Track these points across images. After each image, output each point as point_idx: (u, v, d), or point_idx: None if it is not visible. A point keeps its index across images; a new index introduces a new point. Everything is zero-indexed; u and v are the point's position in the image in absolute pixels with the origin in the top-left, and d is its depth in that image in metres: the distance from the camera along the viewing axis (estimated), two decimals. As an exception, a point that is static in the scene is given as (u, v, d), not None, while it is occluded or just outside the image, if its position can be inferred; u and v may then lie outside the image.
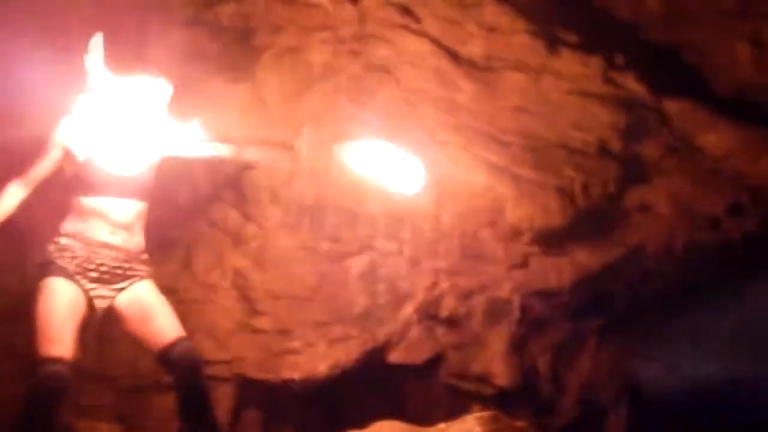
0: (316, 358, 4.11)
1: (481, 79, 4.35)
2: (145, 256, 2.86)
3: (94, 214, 2.72)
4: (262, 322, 4.12)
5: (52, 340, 2.59)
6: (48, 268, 2.69)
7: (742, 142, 4.13)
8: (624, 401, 4.74)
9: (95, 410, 3.79)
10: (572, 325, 4.64)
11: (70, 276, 2.69)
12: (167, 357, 2.76)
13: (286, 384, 3.96)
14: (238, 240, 4.16)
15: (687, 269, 4.69)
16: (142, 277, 2.81)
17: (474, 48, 4.35)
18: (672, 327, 5.06)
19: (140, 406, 3.99)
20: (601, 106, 4.01)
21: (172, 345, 2.75)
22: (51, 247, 2.72)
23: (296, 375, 4.06)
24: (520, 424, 3.08)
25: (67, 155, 2.70)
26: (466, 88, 4.37)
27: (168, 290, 3.24)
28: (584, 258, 4.52)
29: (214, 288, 4.10)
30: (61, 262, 2.69)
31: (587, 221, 4.51)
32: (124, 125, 2.86)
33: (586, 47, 4.06)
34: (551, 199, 4.39)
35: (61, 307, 2.66)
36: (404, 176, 3.48)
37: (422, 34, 4.35)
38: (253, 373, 4.12)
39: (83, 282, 2.70)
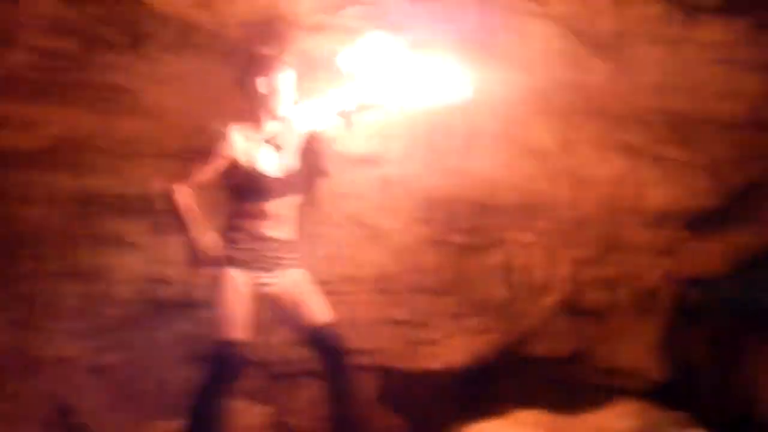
0: (454, 349, 4.10)
1: (613, 57, 4.16)
2: (298, 246, 3.20)
3: (260, 214, 3.06)
4: (400, 314, 4.14)
5: (233, 324, 2.95)
6: (224, 260, 3.03)
7: None
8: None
9: (250, 393, 4.14)
10: (732, 315, 4.27)
11: (242, 267, 3.03)
12: (317, 338, 3.07)
13: (426, 374, 4.06)
14: (374, 235, 4.22)
15: None
16: (296, 266, 3.15)
17: (604, 25, 4.19)
18: None
19: (290, 391, 4.14)
20: (750, 72, 3.68)
21: (323, 327, 3.08)
22: (224, 242, 3.05)
23: (435, 365, 4.09)
24: (670, 414, 2.92)
25: (233, 164, 3.05)
26: (597, 69, 4.22)
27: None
28: (741, 241, 4.16)
29: (354, 280, 4.20)
30: (234, 255, 3.02)
31: (742, 200, 4.14)
32: (280, 130, 3.23)
33: (729, 10, 3.75)
34: (700, 179, 4.09)
35: (239, 295, 3.01)
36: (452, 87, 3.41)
37: (547, 16, 4.28)
38: (394, 362, 4.16)
39: (252, 272, 3.04)
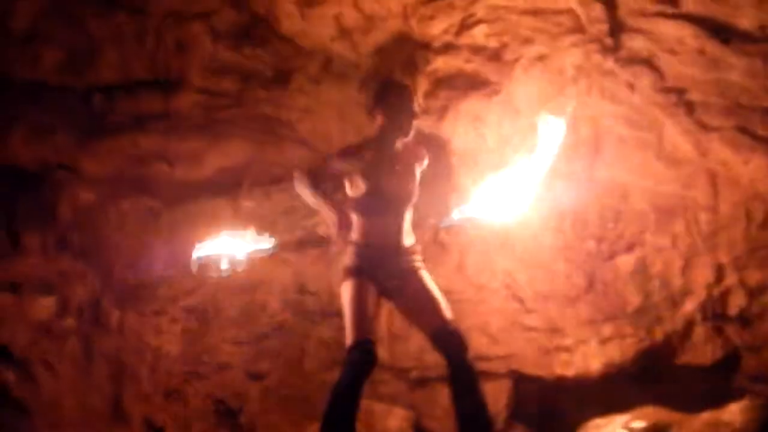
0: (588, 356, 4.01)
1: (754, 53, 3.94)
2: (419, 248, 3.44)
3: (380, 227, 3.36)
4: (532, 320, 4.16)
5: (362, 326, 3.20)
6: (352, 270, 3.32)
7: None
8: None
9: (390, 397, 4.32)
10: None
11: (368, 275, 3.30)
12: (441, 334, 3.22)
13: (560, 380, 4.06)
14: (504, 242, 4.27)
15: None
16: (418, 268, 3.37)
17: (744, 20, 3.98)
18: None
19: (428, 395, 4.22)
20: None
21: (446, 324, 3.23)
22: (351, 255, 3.36)
23: (569, 372, 4.03)
24: None
25: (354, 185, 3.36)
26: (737, 65, 4.01)
27: (444, 291, 3.66)
28: None
29: (485, 288, 4.27)
30: (360, 265, 3.31)
31: None
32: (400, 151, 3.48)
33: None
34: None
35: (365, 300, 3.26)
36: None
37: (681, 16, 4.14)
38: (527, 369, 4.16)
39: (377, 278, 3.30)
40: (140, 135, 4.47)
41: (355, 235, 3.39)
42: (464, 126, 4.31)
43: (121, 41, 4.53)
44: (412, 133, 3.39)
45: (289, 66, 4.67)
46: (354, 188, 3.37)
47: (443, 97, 4.39)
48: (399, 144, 3.40)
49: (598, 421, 3.07)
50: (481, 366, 3.94)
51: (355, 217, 3.38)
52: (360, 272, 3.32)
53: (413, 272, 3.38)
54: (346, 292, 3.33)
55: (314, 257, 4.50)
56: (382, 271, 3.32)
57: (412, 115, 3.38)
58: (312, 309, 4.49)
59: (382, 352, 3.71)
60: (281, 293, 4.63)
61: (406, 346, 4.20)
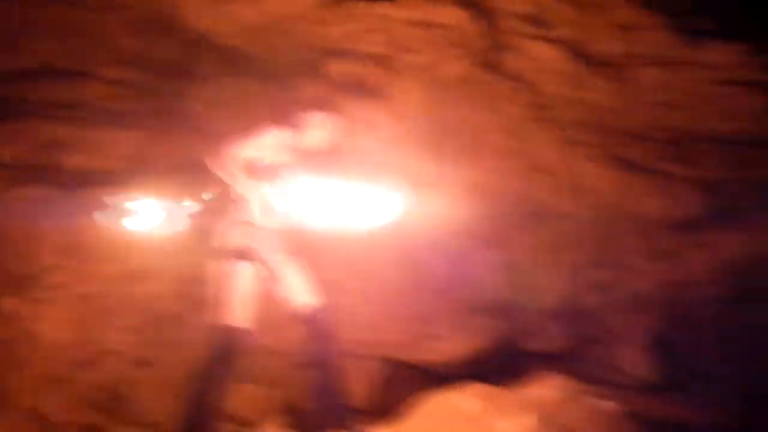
0: (455, 344, 4.35)
1: (616, 78, 4.38)
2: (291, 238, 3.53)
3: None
4: (403, 310, 4.41)
5: (235, 311, 3.29)
6: (235, 253, 3.38)
7: None
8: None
9: (265, 381, 4.33)
10: (726, 318, 4.45)
11: (244, 258, 3.38)
12: (308, 320, 3.40)
13: (427, 366, 4.42)
14: (384, 236, 4.48)
15: None
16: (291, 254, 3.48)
17: (609, 47, 4.44)
18: None
19: (304, 378, 4.59)
20: (750, 94, 3.77)
21: (312, 310, 3.40)
22: (235, 236, 3.41)
23: (436, 358, 4.32)
24: (589, 387, 3.30)
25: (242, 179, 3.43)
26: (601, 88, 4.47)
27: (323, 281, 3.89)
28: (728, 249, 4.37)
29: (361, 279, 4.50)
30: (239, 247, 3.38)
31: (732, 211, 4.34)
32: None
33: (728, 34, 3.96)
34: (691, 191, 4.32)
35: (241, 284, 3.36)
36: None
37: (555, 40, 4.56)
38: (396, 354, 4.44)
39: (252, 263, 3.38)
40: (43, 123, 4.41)
41: (246, 217, 3.48)
42: (353, 128, 4.56)
43: (33, 28, 4.45)
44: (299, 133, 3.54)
45: (193, 59, 4.74)
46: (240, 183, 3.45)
47: (335, 100, 4.61)
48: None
49: (435, 396, 3.41)
50: (354, 350, 4.23)
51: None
52: (242, 255, 3.41)
53: (288, 257, 3.51)
54: (224, 273, 3.40)
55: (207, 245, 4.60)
56: (258, 255, 3.42)
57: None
58: (204, 298, 4.59)
59: (261, 337, 3.92)
60: (173, 282, 4.72)
61: (284, 330, 4.39)
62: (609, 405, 3.28)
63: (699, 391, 4.26)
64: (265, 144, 3.47)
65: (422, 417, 3.37)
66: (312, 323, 3.43)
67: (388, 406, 4.08)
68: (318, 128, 3.65)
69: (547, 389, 3.35)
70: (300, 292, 3.54)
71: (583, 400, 3.27)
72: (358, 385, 4.28)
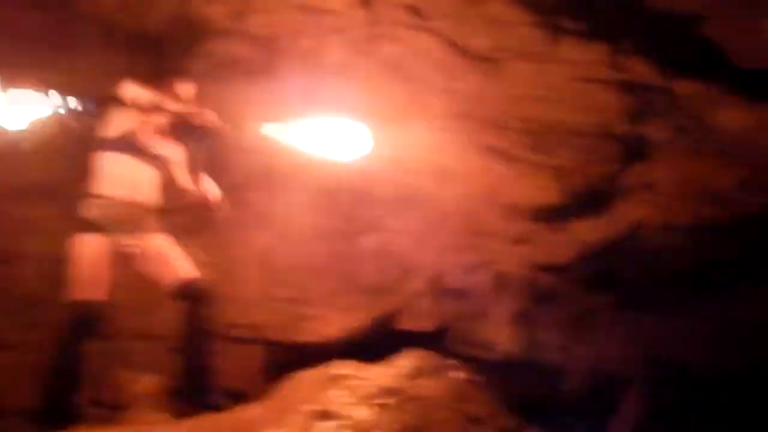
0: (329, 324, 4.48)
1: (486, 70, 4.64)
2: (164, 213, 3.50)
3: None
4: (282, 292, 4.48)
5: (87, 284, 3.21)
6: (89, 226, 3.31)
7: (757, 118, 4.20)
8: (642, 375, 4.87)
9: (142, 365, 4.45)
10: (583, 300, 4.84)
11: (101, 230, 3.30)
12: (182, 293, 3.42)
13: (303, 346, 4.55)
14: (264, 220, 4.52)
15: (699, 248, 4.76)
16: (158, 231, 3.46)
17: (480, 41, 4.67)
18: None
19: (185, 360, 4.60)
20: (607, 90, 4.03)
21: (187, 283, 3.42)
22: (86, 206, 3.34)
23: (313, 338, 4.39)
24: (448, 362, 3.58)
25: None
26: (471, 79, 4.70)
27: (199, 262, 3.88)
28: (585, 234, 4.74)
29: (241, 261, 4.50)
30: (93, 218, 3.31)
31: (588, 199, 4.70)
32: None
33: (590, 34, 4.24)
34: (549, 179, 4.63)
35: (95, 257, 3.26)
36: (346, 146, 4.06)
37: (430, 30, 4.74)
38: (275, 335, 4.46)
39: (112, 234, 3.31)
40: None
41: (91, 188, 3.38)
42: (233, 109, 4.56)
43: None
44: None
45: (71, 32, 4.58)
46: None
47: (216, 79, 4.59)
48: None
49: (304, 373, 3.55)
50: (233, 333, 4.28)
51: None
52: (99, 229, 3.33)
53: (152, 231, 3.48)
54: (74, 246, 3.31)
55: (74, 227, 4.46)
56: (119, 227, 3.37)
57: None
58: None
59: (132, 319, 3.87)
60: (36, 263, 4.55)
61: (157, 312, 4.35)
62: (464, 376, 3.49)
63: (554, 363, 4.60)
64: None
65: (288, 393, 3.46)
66: (186, 301, 3.41)
67: (263, 387, 4.16)
68: (189, 100, 3.61)
69: (409, 363, 3.53)
70: (174, 270, 3.50)
71: (441, 372, 3.47)
72: (234, 367, 4.30)
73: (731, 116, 4.05)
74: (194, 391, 3.46)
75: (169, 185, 3.72)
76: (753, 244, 4.60)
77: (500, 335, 4.62)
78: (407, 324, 4.57)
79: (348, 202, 4.58)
